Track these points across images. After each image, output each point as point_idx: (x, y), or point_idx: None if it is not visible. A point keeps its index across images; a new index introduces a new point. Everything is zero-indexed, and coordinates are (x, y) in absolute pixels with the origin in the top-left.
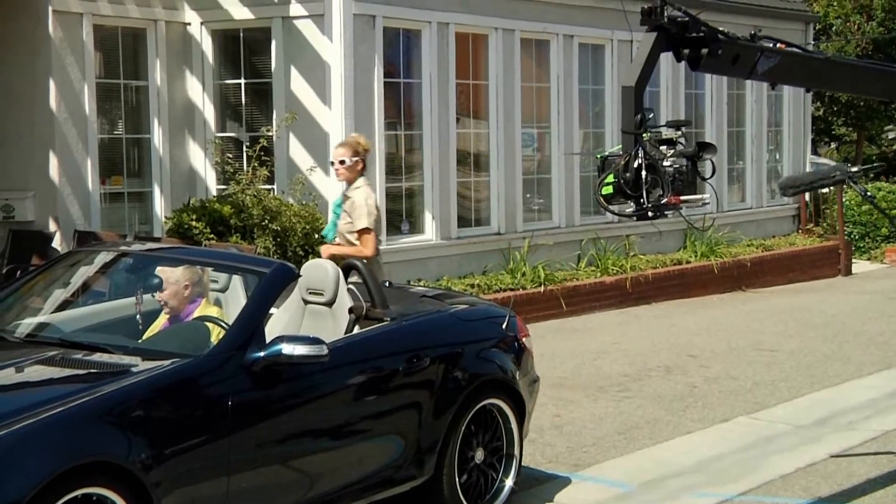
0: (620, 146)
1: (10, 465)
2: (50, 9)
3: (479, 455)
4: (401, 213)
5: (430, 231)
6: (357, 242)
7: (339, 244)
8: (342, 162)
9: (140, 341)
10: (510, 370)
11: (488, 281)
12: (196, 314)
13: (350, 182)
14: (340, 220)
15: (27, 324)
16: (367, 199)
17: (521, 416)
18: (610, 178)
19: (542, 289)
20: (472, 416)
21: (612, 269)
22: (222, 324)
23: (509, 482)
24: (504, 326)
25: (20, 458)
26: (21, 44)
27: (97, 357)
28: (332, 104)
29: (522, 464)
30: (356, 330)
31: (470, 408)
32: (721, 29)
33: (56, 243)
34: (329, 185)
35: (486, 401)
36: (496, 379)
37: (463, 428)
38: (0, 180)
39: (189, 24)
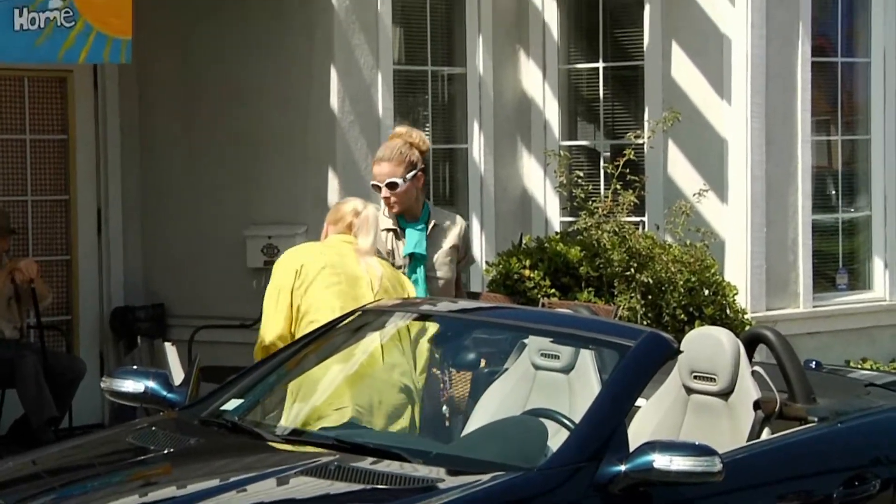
0: None
1: None
2: None
3: None
4: (836, 257)
5: (880, 286)
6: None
7: None
8: (392, 185)
9: (447, 444)
10: None
11: None
12: None
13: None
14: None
15: (293, 415)
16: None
17: None
18: None
19: None
20: None
21: None
22: (565, 421)
23: None
24: None
25: None
26: (292, 18)
27: (384, 467)
28: (731, 97)
29: None
30: (765, 434)
31: None
32: None
33: None
34: (726, 217)
35: None
36: None
37: None
38: (260, 210)
39: None
